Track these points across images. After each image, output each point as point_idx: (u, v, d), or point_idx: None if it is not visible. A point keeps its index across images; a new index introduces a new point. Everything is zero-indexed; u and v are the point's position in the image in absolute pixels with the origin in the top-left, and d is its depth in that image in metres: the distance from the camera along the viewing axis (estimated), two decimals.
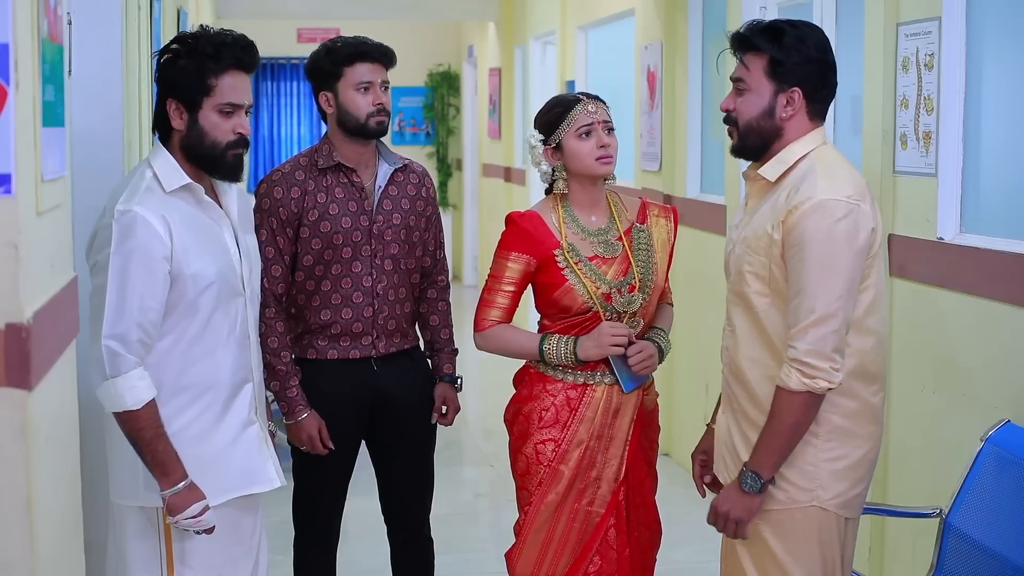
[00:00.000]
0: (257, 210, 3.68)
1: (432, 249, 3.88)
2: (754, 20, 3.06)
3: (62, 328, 2.58)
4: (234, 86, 3.03)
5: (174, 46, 3.07)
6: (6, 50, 2.17)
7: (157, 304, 2.91)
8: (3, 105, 2.18)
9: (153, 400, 2.90)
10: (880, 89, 4.38)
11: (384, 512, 3.95)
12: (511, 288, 3.47)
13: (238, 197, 3.19)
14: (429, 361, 3.92)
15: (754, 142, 3.00)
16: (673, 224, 3.58)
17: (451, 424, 3.94)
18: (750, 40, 2.97)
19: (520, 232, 3.46)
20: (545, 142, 3.45)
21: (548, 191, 3.53)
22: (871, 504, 4.07)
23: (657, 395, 3.61)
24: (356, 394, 3.75)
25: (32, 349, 2.24)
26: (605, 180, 3.48)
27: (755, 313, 2.95)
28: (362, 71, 3.65)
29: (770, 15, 5.67)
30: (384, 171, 3.75)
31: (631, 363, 3.40)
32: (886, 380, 3.06)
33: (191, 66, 3.00)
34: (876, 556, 4.48)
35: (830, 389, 2.83)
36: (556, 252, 3.41)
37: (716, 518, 2.98)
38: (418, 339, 3.92)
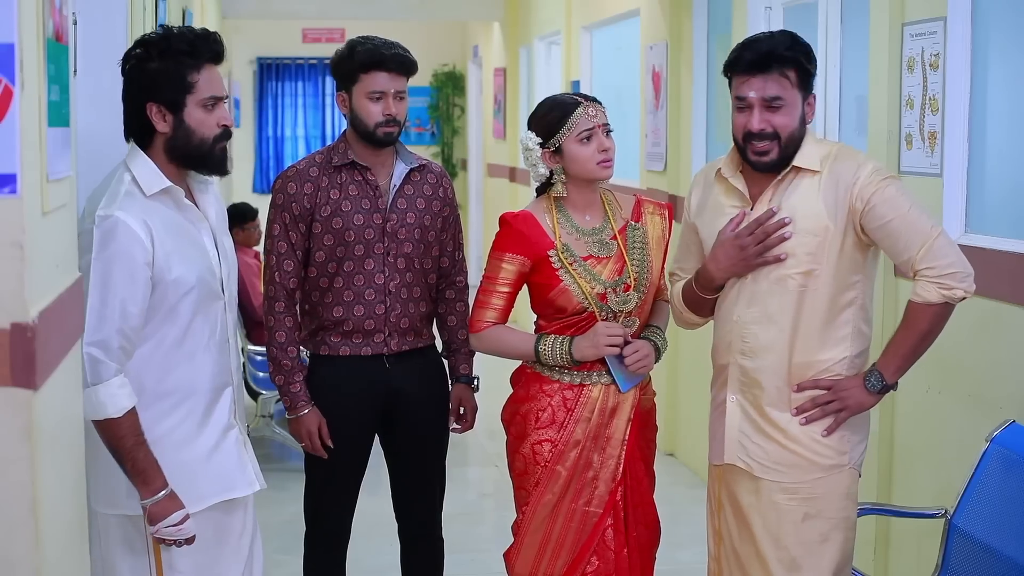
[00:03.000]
0: (271, 205, 3.71)
1: (450, 250, 3.88)
2: (764, 35, 3.17)
3: (67, 328, 2.58)
4: (211, 79, 3.02)
5: (138, 50, 3.02)
6: (11, 50, 2.17)
7: (138, 310, 2.88)
8: (8, 105, 2.18)
9: (134, 408, 2.86)
10: (885, 89, 4.37)
11: (396, 510, 3.95)
12: (506, 289, 3.47)
13: (215, 199, 3.16)
14: (446, 362, 3.92)
15: (790, 152, 3.14)
16: (668, 221, 3.58)
17: (472, 427, 3.94)
18: (785, 56, 3.09)
19: (514, 233, 3.45)
20: (543, 145, 3.44)
21: (540, 191, 3.52)
22: (876, 504, 4.07)
23: (654, 394, 3.61)
24: (368, 391, 3.74)
25: (37, 349, 2.24)
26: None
27: (801, 294, 3.11)
28: (377, 80, 3.64)
29: (775, 16, 5.67)
30: (400, 170, 3.75)
31: (627, 363, 3.40)
32: None
33: (169, 66, 2.97)
34: (881, 557, 4.47)
35: (963, 299, 3.04)
36: (550, 253, 3.41)
37: (825, 392, 3.10)
38: (434, 338, 3.91)
